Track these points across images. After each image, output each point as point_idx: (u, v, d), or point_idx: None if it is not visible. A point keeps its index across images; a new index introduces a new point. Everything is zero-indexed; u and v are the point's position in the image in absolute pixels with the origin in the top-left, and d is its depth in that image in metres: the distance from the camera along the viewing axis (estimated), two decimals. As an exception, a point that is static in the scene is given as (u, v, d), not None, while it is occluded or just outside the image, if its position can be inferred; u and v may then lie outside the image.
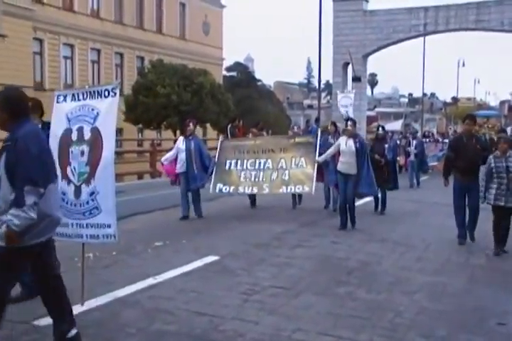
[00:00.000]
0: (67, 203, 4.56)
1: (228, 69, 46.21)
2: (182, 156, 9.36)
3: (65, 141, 4.59)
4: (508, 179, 7.07)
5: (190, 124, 9.60)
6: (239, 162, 9.50)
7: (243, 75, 46.06)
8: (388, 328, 4.55)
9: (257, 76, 50.81)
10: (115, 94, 4.54)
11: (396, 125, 37.62)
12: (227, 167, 9.54)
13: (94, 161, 4.46)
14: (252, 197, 10.78)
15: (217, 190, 9.49)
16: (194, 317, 4.62)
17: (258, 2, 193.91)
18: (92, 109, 4.56)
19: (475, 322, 4.76)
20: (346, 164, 8.85)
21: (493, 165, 7.17)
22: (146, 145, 25.91)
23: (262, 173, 9.32)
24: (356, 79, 23.90)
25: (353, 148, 8.78)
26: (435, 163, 20.00)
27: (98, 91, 4.59)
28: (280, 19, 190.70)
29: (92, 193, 4.48)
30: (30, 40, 26.19)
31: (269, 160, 9.39)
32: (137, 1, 34.39)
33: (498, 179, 7.12)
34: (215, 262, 6.53)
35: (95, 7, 31.71)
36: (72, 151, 4.55)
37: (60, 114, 4.70)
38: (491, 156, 7.31)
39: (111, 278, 5.68)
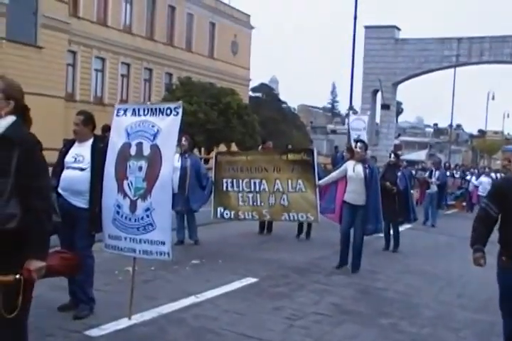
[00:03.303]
0: (121, 216, 4.57)
1: (254, 89, 46.48)
2: (177, 175, 8.43)
3: (123, 155, 4.61)
4: None
5: (183, 140, 8.63)
6: (234, 182, 8.57)
7: (268, 97, 46.34)
8: (438, 364, 4.45)
9: (282, 98, 51.04)
10: (177, 113, 4.55)
11: (421, 154, 37.42)
12: (224, 188, 8.59)
13: (151, 178, 4.47)
14: (267, 223, 10.27)
15: (218, 216, 8.66)
16: (241, 340, 4.56)
17: (287, 24, 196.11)
18: (153, 126, 4.59)
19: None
20: (354, 193, 7.64)
21: None
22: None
23: (258, 196, 8.41)
24: (385, 106, 23.93)
25: (362, 175, 7.62)
26: (453, 202, 19.20)
27: (160, 109, 4.62)
28: (307, 42, 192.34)
29: (147, 209, 4.47)
30: (64, 52, 26.62)
31: (264, 181, 8.41)
32: (168, 18, 34.94)
33: None
34: (254, 284, 6.47)
35: (127, 22, 32.25)
36: (129, 166, 4.57)
37: (120, 128, 4.73)
38: None
39: (153, 294, 5.64)
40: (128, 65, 32.44)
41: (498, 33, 25.48)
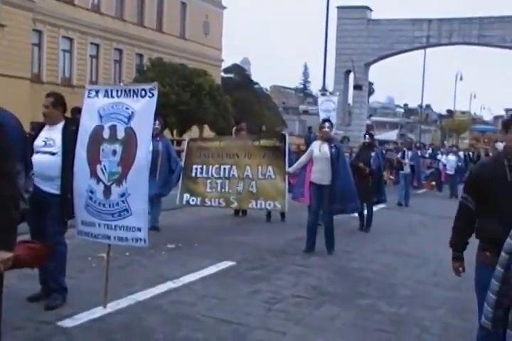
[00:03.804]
0: (95, 202, 4.44)
1: (226, 70, 45.90)
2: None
3: (96, 138, 4.46)
4: None
5: (157, 123, 8.30)
6: (204, 168, 8.45)
7: (240, 78, 45.85)
8: (417, 344, 4.47)
9: (254, 79, 50.63)
10: (153, 94, 4.41)
11: (392, 135, 37.72)
12: (193, 174, 8.47)
13: (126, 162, 4.33)
14: None
15: (184, 202, 8.51)
16: (220, 325, 4.50)
17: (257, 5, 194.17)
18: (127, 108, 4.43)
19: (502, 341, 4.68)
20: (320, 173, 7.51)
21: None
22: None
23: (227, 182, 8.28)
24: (358, 87, 23.95)
25: (328, 154, 7.51)
26: (423, 182, 18.97)
27: (134, 91, 4.47)
28: (278, 23, 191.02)
29: (122, 194, 4.35)
30: (29, 31, 25.87)
31: (234, 167, 8.30)
32: (138, -3, 34.22)
33: None
34: (231, 268, 6.42)
35: (96, 1, 31.42)
36: (103, 149, 4.42)
37: (92, 110, 4.57)
38: None
39: (129, 280, 5.55)
40: (97, 45, 31.70)
41: (467, 15, 25.74)
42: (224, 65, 44.51)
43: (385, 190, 10.43)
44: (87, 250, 6.20)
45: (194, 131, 29.08)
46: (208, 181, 8.38)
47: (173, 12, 36.85)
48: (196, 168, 8.49)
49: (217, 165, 8.38)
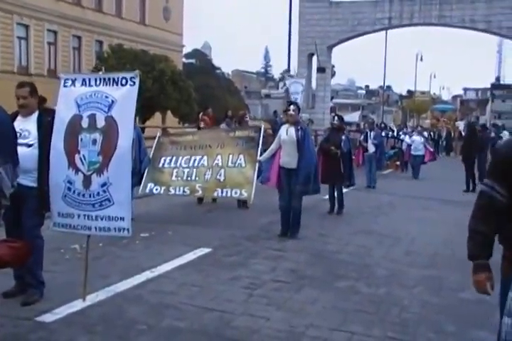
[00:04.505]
0: (73, 193, 4.33)
1: (187, 56, 45.56)
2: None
3: (74, 128, 4.34)
4: None
5: None
6: (173, 159, 8.37)
7: (202, 63, 45.57)
8: (398, 323, 4.53)
9: (215, 64, 50.33)
10: (134, 83, 4.34)
11: (354, 116, 38.05)
12: (160, 164, 8.37)
13: (107, 151, 4.24)
14: None
15: (147, 190, 8.33)
16: (203, 313, 4.47)
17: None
18: (106, 97, 4.34)
19: (480, 317, 4.78)
20: (288, 157, 7.47)
21: None
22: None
23: (195, 171, 8.16)
24: (321, 70, 23.99)
25: (295, 137, 7.45)
26: (387, 162, 18.80)
27: (114, 79, 4.39)
28: (239, 7, 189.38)
29: (104, 184, 4.26)
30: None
31: (205, 157, 8.21)
32: (96, -17, 33.38)
33: None
34: (207, 254, 6.39)
35: (51, -14, 30.56)
36: (81, 139, 4.31)
37: (68, 99, 4.44)
38: None
39: (105, 271, 5.45)
40: (55, 32, 30.91)
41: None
42: (185, 50, 44.10)
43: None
44: (59, 242, 6.08)
45: (157, 118, 28.76)
46: (175, 170, 8.27)
47: (132, -4, 36.14)
48: (165, 159, 8.39)
49: (187, 156, 8.30)
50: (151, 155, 8.45)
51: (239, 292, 5.06)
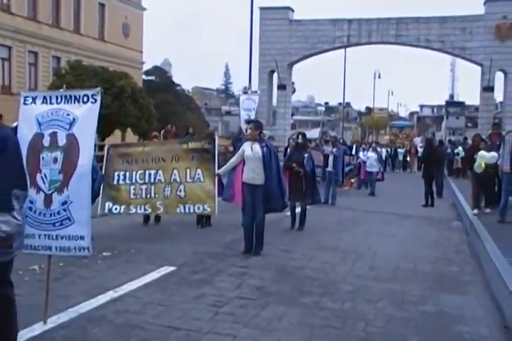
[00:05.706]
0: (34, 212, 4.24)
1: (147, 73, 45.32)
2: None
3: (35, 146, 4.27)
4: None
5: None
6: (127, 175, 8.00)
7: (162, 80, 45.40)
8: (364, 337, 4.57)
9: (176, 81, 50.24)
10: (95, 100, 4.31)
11: (314, 133, 38.50)
12: (115, 181, 8.00)
13: (68, 169, 4.19)
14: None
15: (106, 210, 7.99)
16: (169, 333, 4.42)
17: (179, 7, 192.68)
18: (68, 114, 4.29)
19: (440, 329, 4.88)
20: (253, 173, 7.51)
21: None
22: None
23: (153, 187, 7.88)
24: (282, 87, 24.24)
25: (260, 154, 7.49)
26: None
27: (75, 97, 4.35)
28: (200, 24, 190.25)
29: (64, 202, 4.19)
30: None
31: (160, 172, 7.91)
32: (53, -3, 33.00)
33: None
34: (172, 273, 6.32)
35: (5, 0, 30.02)
36: (43, 157, 4.25)
37: (29, 117, 4.37)
38: None
39: (67, 292, 5.33)
40: (9, 47, 30.27)
41: (384, 15, 26.74)
42: (145, 67, 43.91)
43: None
44: (17, 263, 5.78)
45: (116, 135, 28.44)
46: (132, 187, 7.97)
47: (91, 13, 35.85)
48: (118, 175, 8.04)
49: (141, 171, 7.99)
50: (103, 171, 8.11)
51: (205, 310, 5.02)
